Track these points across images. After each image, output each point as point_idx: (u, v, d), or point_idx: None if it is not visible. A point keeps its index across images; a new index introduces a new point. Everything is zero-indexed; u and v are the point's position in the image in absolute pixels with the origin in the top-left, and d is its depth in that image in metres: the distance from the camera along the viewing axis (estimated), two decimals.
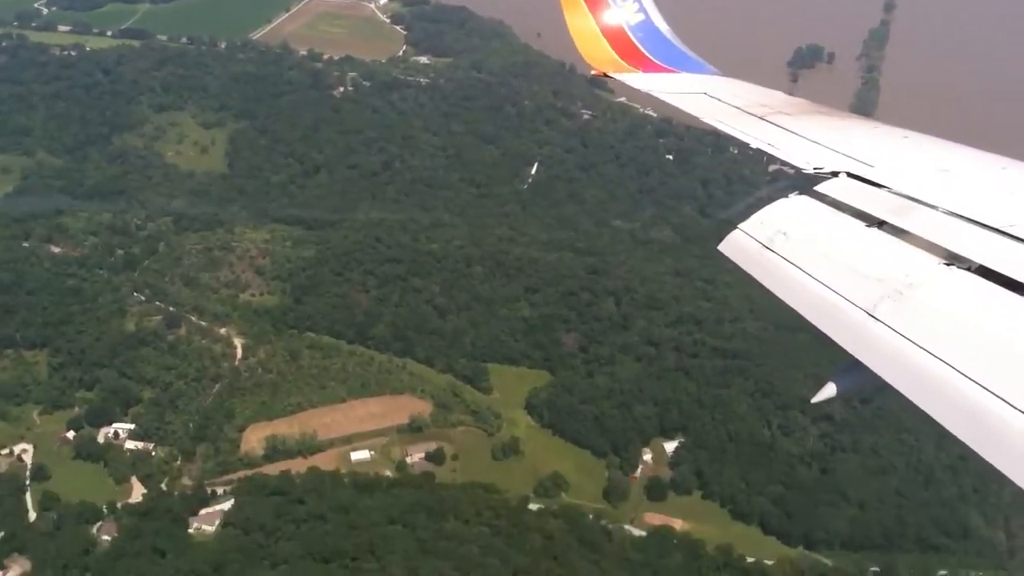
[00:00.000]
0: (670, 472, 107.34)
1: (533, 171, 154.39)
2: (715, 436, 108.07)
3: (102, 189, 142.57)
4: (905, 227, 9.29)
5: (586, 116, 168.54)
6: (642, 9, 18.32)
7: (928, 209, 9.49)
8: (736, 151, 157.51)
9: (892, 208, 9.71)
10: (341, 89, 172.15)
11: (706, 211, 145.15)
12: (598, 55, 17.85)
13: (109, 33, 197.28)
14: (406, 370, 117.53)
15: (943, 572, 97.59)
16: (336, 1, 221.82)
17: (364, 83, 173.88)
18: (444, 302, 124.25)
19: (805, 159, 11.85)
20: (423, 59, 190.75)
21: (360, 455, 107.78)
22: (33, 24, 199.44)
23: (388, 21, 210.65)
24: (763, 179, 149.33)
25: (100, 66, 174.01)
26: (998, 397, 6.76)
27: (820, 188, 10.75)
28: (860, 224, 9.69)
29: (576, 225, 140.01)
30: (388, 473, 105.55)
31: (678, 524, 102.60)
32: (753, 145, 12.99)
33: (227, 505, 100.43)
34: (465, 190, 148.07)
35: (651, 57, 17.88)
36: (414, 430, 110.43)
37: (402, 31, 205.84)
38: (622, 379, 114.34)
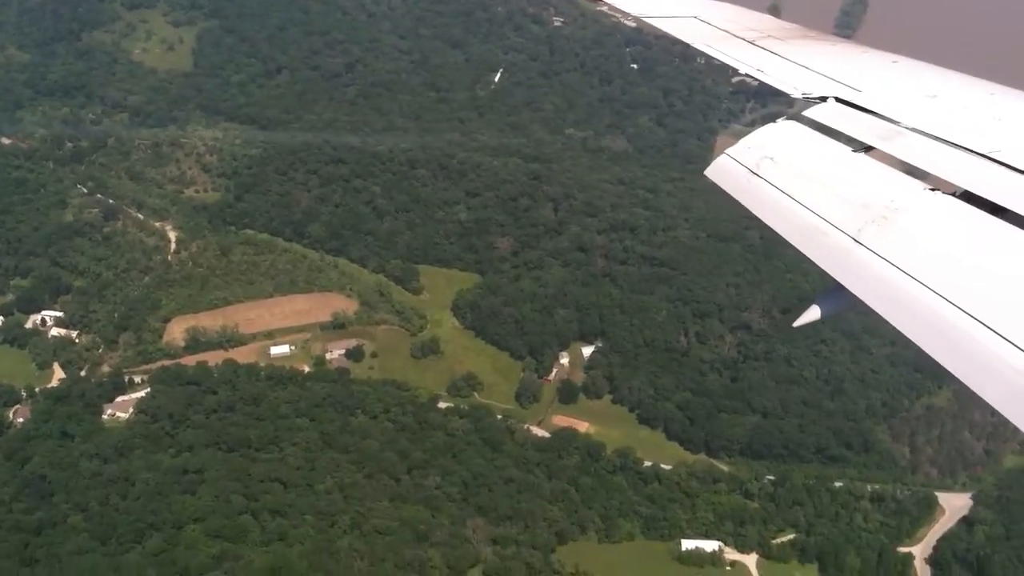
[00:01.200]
0: (584, 376, 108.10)
1: (497, 78, 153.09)
2: (631, 342, 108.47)
3: (65, 84, 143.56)
4: (892, 152, 9.28)
5: (557, 23, 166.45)
6: None
7: (915, 134, 9.47)
8: (702, 61, 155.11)
9: (879, 133, 9.68)
10: None
11: (664, 121, 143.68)
12: None
13: None
14: (337, 269, 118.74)
15: (839, 483, 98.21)
16: None
17: None
18: (384, 203, 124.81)
19: (794, 84, 11.83)
20: None
21: (280, 350, 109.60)
22: None
23: None
24: (725, 90, 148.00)
25: None
26: (978, 321, 6.74)
27: (808, 113, 10.68)
28: (847, 149, 9.64)
29: (529, 132, 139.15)
30: (306, 368, 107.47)
31: (584, 427, 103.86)
32: (742, 71, 12.95)
33: (143, 393, 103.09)
34: (424, 94, 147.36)
35: None
36: (336, 327, 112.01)
37: None
38: (547, 283, 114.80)
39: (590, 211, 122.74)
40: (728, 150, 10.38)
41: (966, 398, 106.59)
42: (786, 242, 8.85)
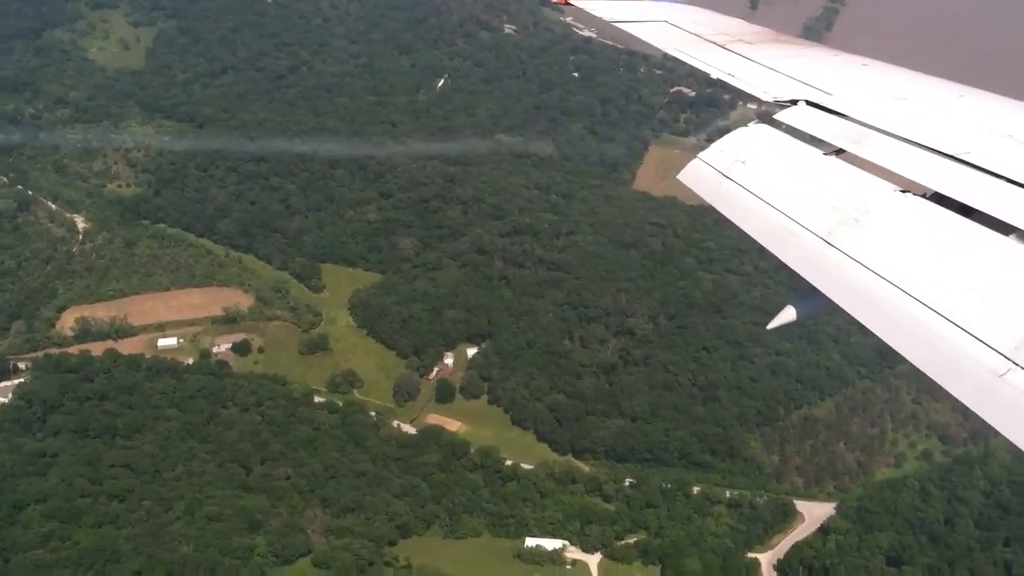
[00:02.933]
0: (463, 376, 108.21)
1: (440, 83, 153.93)
2: (514, 344, 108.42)
3: (15, 80, 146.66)
4: (862, 155, 9.43)
5: (508, 31, 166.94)
6: None
7: (885, 137, 9.64)
8: (644, 71, 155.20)
9: (850, 136, 9.86)
10: None
11: (596, 129, 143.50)
12: None
13: None
14: (240, 264, 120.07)
15: (697, 488, 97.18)
16: None
17: None
18: (297, 202, 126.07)
19: (764, 88, 11.82)
20: None
21: (167, 342, 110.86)
22: None
23: None
24: (661, 100, 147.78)
25: None
26: (949, 320, 6.90)
27: (779, 116, 10.76)
28: (818, 152, 9.78)
29: (460, 136, 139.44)
30: (190, 360, 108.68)
31: (456, 426, 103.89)
32: (713, 75, 12.89)
33: (24, 379, 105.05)
34: (364, 98, 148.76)
35: None
36: (228, 321, 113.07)
37: None
38: (442, 284, 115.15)
39: (497, 214, 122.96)
40: (701, 154, 10.49)
41: (847, 410, 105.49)
42: (759, 244, 9.00)
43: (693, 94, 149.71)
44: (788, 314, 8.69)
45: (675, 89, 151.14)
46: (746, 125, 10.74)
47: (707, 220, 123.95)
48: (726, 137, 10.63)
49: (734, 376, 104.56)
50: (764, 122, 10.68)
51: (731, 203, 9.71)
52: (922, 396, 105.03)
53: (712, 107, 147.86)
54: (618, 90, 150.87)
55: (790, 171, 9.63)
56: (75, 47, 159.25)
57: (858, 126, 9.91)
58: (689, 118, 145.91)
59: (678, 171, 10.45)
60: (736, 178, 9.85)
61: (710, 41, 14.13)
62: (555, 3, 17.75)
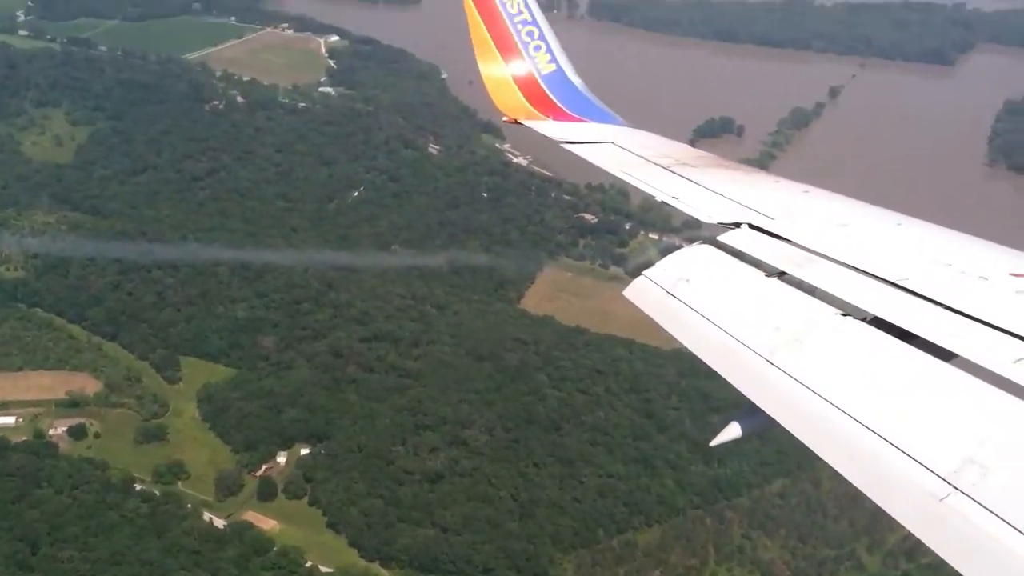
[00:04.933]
0: (289, 476, 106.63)
1: (354, 195, 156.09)
2: (346, 446, 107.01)
3: None
4: (804, 278, 9.75)
5: (432, 150, 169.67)
6: (554, 60, 18.88)
7: (826, 261, 10.00)
8: (553, 196, 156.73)
9: (792, 259, 10.20)
10: (216, 103, 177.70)
11: (492, 247, 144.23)
12: (510, 102, 18.56)
13: (49, 37, 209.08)
14: (100, 351, 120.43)
15: None
16: (288, 35, 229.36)
17: (239, 100, 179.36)
18: (172, 294, 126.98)
19: (708, 211, 12.22)
20: (329, 89, 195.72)
21: (5, 420, 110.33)
22: None
23: (327, 56, 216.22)
24: (562, 224, 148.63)
25: (8, 60, 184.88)
26: (889, 442, 7.11)
27: (723, 238, 11.20)
28: (761, 274, 10.14)
29: (357, 245, 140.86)
30: (23, 438, 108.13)
31: (270, 524, 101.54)
32: (658, 198, 13.27)
33: None
34: (273, 203, 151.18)
35: (562, 106, 18.50)
36: (71, 405, 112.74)
37: (333, 65, 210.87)
38: (290, 383, 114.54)
39: (363, 320, 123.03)
40: (646, 271, 10.82)
41: (671, 538, 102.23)
42: (703, 362, 9.21)
43: (595, 220, 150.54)
44: (732, 430, 8.75)
45: (578, 215, 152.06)
46: (690, 245, 11.13)
47: (575, 340, 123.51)
48: (671, 256, 10.94)
49: (558, 494, 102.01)
50: (708, 243, 11.04)
51: (675, 321, 9.87)
52: (753, 531, 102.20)
53: (611, 234, 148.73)
54: (523, 212, 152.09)
55: (734, 292, 9.89)
56: (10, 140, 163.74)
57: (800, 250, 10.25)
58: (588, 243, 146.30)
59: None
60: (681, 296, 10.06)
61: (655, 164, 14.49)
62: (505, 122, 18.54)
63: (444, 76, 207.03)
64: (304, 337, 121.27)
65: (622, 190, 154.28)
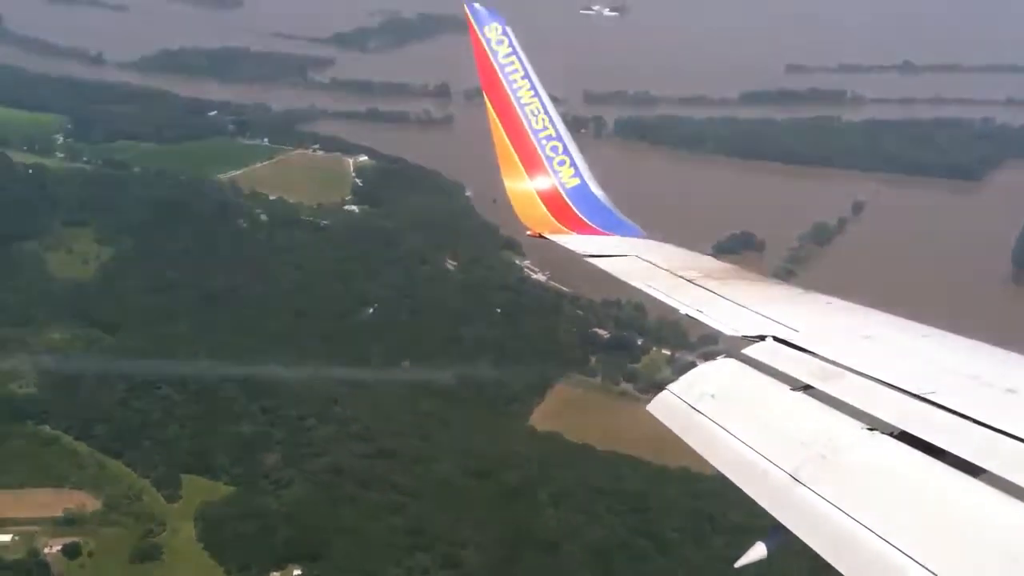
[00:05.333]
0: None
1: (370, 311, 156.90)
2: (337, 567, 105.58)
3: None
4: (830, 392, 9.68)
5: (449, 266, 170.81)
6: (578, 174, 19.46)
7: (852, 374, 9.91)
8: (567, 311, 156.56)
9: (817, 373, 10.14)
10: (240, 222, 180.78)
11: (503, 364, 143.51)
12: (534, 216, 19.03)
13: (84, 159, 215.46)
14: (103, 468, 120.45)
15: None
16: (318, 155, 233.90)
17: (262, 218, 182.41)
18: (179, 411, 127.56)
19: (732, 324, 12.24)
20: (353, 207, 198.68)
21: (2, 538, 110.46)
22: (25, 148, 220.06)
23: (354, 174, 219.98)
24: (575, 340, 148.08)
25: (40, 182, 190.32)
26: (915, 560, 6.99)
27: (747, 352, 11.16)
28: (785, 388, 10.07)
29: (365, 361, 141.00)
30: (16, 557, 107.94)
31: None
32: (681, 310, 13.28)
33: None
34: (287, 320, 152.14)
35: (586, 220, 18.88)
36: (67, 523, 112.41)
37: (359, 183, 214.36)
38: (288, 502, 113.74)
39: (366, 436, 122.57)
40: (669, 386, 10.85)
41: None
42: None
43: (607, 336, 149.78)
44: (758, 551, 8.64)
45: (591, 330, 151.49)
46: (713, 359, 11.12)
47: (579, 457, 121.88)
48: (694, 370, 10.95)
49: None
50: (732, 357, 11.01)
51: (700, 436, 9.80)
52: None
53: (623, 350, 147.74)
54: (535, 328, 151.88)
55: (758, 406, 9.83)
56: (36, 259, 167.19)
57: (825, 363, 10.19)
58: (599, 359, 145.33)
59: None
60: (705, 411, 10.00)
61: (679, 276, 14.55)
62: (530, 235, 19.00)
63: (469, 194, 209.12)
64: (305, 454, 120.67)
65: (638, 305, 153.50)
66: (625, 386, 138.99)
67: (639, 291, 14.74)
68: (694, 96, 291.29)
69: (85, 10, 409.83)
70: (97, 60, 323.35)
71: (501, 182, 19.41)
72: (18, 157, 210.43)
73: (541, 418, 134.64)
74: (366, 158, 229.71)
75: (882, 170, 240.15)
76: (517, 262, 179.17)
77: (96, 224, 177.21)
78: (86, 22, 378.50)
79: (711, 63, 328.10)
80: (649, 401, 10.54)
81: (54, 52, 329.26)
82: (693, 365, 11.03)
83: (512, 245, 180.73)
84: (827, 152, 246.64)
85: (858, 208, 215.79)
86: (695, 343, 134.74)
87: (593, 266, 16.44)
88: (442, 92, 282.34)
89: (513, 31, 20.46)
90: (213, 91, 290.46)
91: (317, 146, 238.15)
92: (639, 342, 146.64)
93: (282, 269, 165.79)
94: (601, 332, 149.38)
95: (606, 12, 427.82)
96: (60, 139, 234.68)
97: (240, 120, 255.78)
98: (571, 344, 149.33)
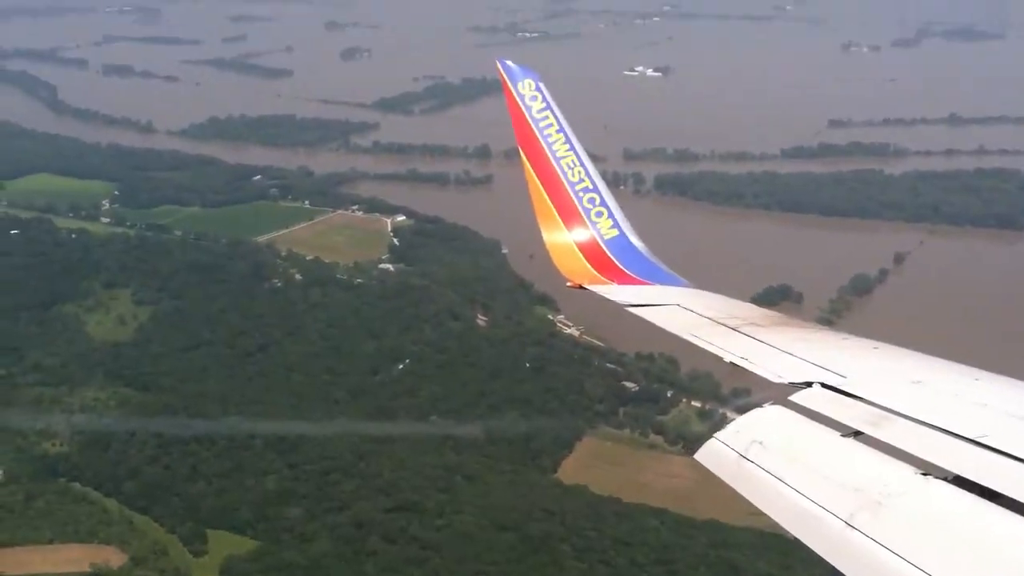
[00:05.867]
0: None
1: (400, 367, 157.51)
2: None
3: (5, 346, 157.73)
4: (881, 437, 9.70)
5: (480, 321, 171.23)
6: (616, 225, 19.64)
7: (903, 420, 9.90)
8: (596, 364, 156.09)
9: (867, 419, 10.13)
10: (275, 281, 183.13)
11: (532, 416, 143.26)
12: (574, 268, 19.21)
13: (128, 223, 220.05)
14: (130, 524, 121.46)
15: None
16: (357, 216, 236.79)
17: (297, 277, 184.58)
18: (206, 468, 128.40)
19: (778, 370, 12.29)
20: (388, 265, 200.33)
21: None
22: (71, 214, 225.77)
23: (391, 234, 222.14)
24: (601, 393, 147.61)
25: (83, 246, 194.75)
26: None
27: (795, 398, 11.22)
28: (836, 434, 10.11)
29: (393, 416, 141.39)
30: None
31: None
32: (726, 358, 13.36)
33: None
34: (318, 377, 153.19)
35: (625, 270, 18.96)
36: None
37: (396, 242, 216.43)
38: (311, 556, 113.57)
39: (390, 490, 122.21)
40: (717, 434, 10.89)
41: None
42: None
43: (636, 388, 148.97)
44: None
45: (620, 383, 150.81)
46: (762, 406, 11.17)
47: (605, 510, 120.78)
48: (742, 418, 10.98)
49: None
50: (780, 404, 11.08)
51: (750, 484, 9.87)
52: None
53: (652, 403, 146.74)
54: (564, 381, 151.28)
55: (809, 453, 9.86)
56: (76, 320, 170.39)
57: (875, 409, 10.25)
58: (628, 411, 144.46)
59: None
60: (754, 459, 10.05)
61: (722, 324, 14.73)
62: (570, 287, 19.15)
63: (505, 251, 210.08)
64: (330, 508, 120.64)
65: (671, 358, 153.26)
66: (654, 438, 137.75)
67: (677, 341, 14.31)
68: (735, 152, 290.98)
69: (138, 81, 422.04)
70: (147, 129, 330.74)
71: (538, 238, 19.64)
72: (63, 223, 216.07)
73: (568, 471, 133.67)
74: (404, 218, 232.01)
75: (926, 221, 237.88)
76: (550, 317, 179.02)
77: (135, 286, 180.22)
78: (139, 93, 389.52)
79: (754, 119, 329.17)
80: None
81: (107, 122, 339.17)
82: (727, 417, 10.39)
83: (546, 301, 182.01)
84: (867, 204, 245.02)
85: (900, 259, 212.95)
86: (728, 396, 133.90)
87: (627, 319, 16.44)
88: (482, 153, 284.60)
89: (557, 93, 20.63)
90: (258, 156, 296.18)
91: (356, 207, 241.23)
92: (669, 394, 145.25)
93: (315, 326, 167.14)
94: (629, 385, 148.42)
95: (649, 72, 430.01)
96: (106, 205, 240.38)
97: (283, 184, 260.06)
98: (600, 397, 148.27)
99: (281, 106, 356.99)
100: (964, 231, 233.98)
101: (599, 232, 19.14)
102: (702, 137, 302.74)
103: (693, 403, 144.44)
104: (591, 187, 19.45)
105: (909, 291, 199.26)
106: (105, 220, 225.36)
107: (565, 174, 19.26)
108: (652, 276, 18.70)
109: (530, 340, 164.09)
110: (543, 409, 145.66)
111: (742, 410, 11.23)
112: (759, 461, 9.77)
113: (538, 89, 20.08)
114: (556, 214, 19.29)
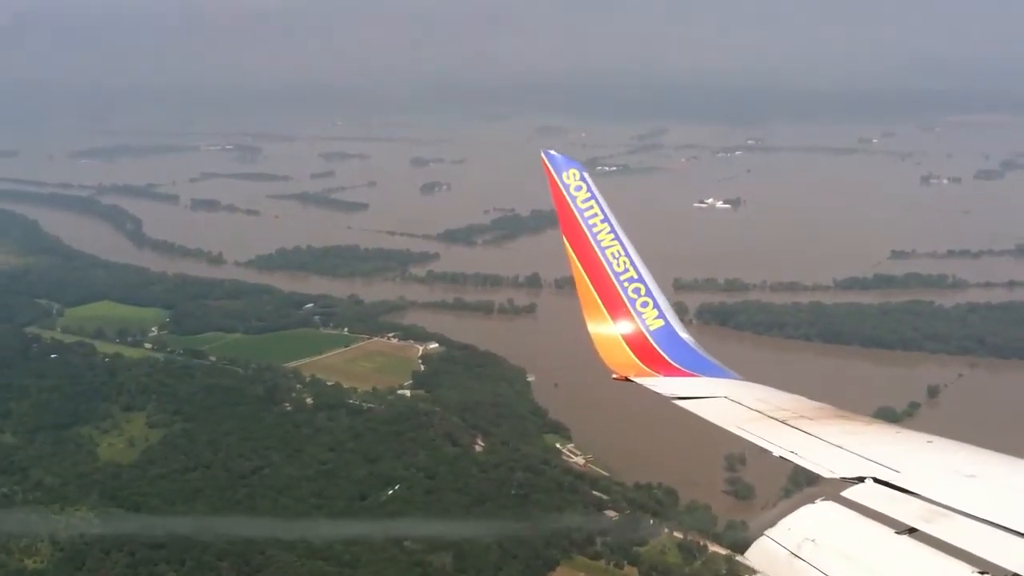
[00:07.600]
0: None
1: (391, 491, 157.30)
2: None
3: (14, 465, 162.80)
4: (936, 534, 9.62)
5: (478, 447, 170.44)
6: (662, 316, 19.88)
7: (958, 516, 9.79)
8: (583, 492, 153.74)
9: (921, 515, 10.05)
10: (285, 405, 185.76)
11: (505, 545, 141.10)
12: (619, 360, 19.14)
13: (169, 349, 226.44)
14: None
15: None
16: (391, 343, 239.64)
17: (308, 402, 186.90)
18: None
19: (829, 465, 12.22)
20: (406, 391, 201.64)
21: None
22: (117, 340, 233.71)
23: (420, 361, 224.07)
24: (581, 521, 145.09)
25: (111, 369, 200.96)
26: None
27: (846, 494, 11.16)
28: (890, 531, 9.99)
29: (371, 541, 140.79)
30: None
31: None
32: (775, 453, 13.29)
33: None
34: (306, 501, 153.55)
35: (671, 361, 19.05)
36: None
37: (422, 369, 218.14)
38: None
39: None
40: (768, 531, 10.77)
41: None
42: None
43: (616, 516, 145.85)
44: None
45: (601, 512, 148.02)
46: (813, 502, 11.16)
47: None
48: (793, 514, 10.91)
49: None
50: (832, 499, 11.07)
51: None
52: None
53: (632, 533, 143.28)
54: (546, 509, 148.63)
55: (863, 551, 9.75)
56: (90, 441, 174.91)
57: (929, 504, 10.21)
58: (606, 542, 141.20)
59: None
60: (807, 557, 9.94)
61: (771, 417, 14.75)
62: (615, 379, 19.04)
63: (531, 379, 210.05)
64: None
65: (670, 489, 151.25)
66: (629, 569, 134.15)
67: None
68: (786, 282, 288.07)
69: (222, 215, 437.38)
70: (217, 260, 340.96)
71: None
72: (104, 347, 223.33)
73: None
74: (436, 345, 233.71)
75: (971, 353, 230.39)
76: (558, 446, 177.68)
77: (151, 409, 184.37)
78: (218, 226, 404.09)
79: (814, 250, 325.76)
80: None
81: (182, 253, 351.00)
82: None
83: (559, 429, 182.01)
84: (911, 336, 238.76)
85: (934, 392, 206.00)
86: (721, 531, 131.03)
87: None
88: (532, 282, 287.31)
89: (622, 224, 20.40)
90: (315, 285, 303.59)
91: (393, 334, 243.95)
92: (651, 522, 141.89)
93: (313, 450, 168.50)
94: (610, 514, 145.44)
95: (719, 205, 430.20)
96: (154, 331, 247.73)
97: (329, 311, 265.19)
98: (576, 526, 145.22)
99: (348, 237, 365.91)
100: (1009, 364, 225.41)
101: (644, 323, 19.07)
102: (756, 267, 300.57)
103: (676, 534, 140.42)
104: (636, 277, 19.38)
105: (937, 425, 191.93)
106: (148, 346, 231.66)
107: (610, 264, 19.31)
108: (699, 368, 18.55)
109: (520, 466, 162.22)
110: (519, 538, 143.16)
111: (762, 527, 10.93)
112: (812, 560, 9.45)
113: (583, 179, 19.92)
114: (601, 305, 19.20)
